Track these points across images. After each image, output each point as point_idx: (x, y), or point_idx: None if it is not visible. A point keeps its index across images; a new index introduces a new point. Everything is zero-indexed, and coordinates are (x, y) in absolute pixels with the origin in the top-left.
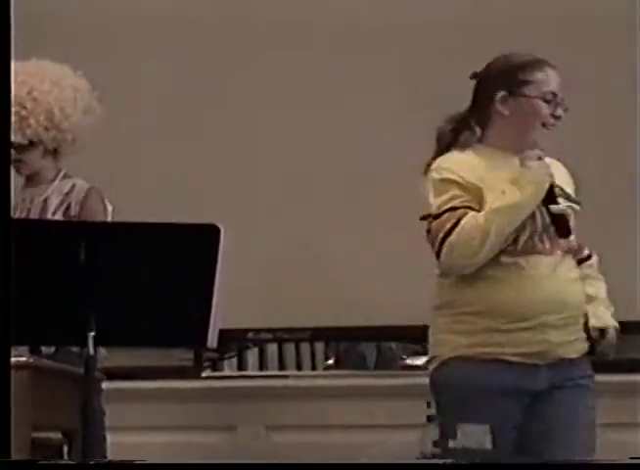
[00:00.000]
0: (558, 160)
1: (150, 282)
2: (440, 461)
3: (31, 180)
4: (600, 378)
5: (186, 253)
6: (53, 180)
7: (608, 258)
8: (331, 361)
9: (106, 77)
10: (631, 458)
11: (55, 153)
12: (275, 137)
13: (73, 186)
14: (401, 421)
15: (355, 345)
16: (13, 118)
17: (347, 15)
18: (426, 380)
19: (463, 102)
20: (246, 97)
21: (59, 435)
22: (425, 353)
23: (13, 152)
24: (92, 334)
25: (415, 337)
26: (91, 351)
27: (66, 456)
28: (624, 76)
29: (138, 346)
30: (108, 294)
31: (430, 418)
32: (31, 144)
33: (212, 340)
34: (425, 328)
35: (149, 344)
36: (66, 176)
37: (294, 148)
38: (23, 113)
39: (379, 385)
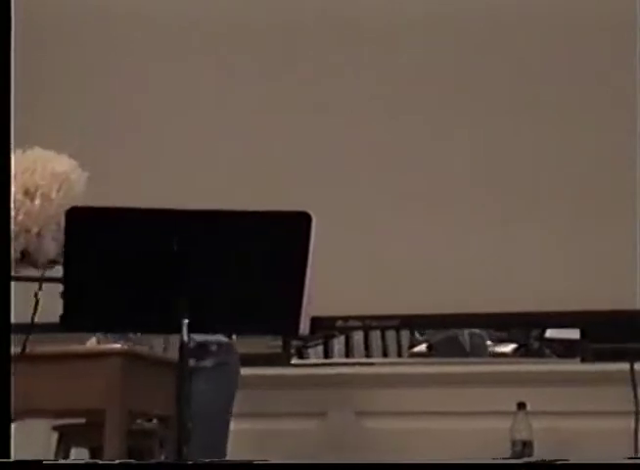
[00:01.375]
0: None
1: (242, 270)
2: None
3: None
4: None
5: (278, 240)
6: None
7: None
8: (420, 348)
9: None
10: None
11: None
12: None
13: None
14: (492, 408)
15: (451, 332)
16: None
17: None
18: (514, 367)
19: None
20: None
21: (154, 422)
22: (511, 341)
23: None
24: (186, 321)
25: (500, 324)
26: (185, 337)
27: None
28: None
29: (230, 333)
30: (201, 282)
31: (520, 405)
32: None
33: (305, 327)
34: (512, 315)
35: (241, 331)
36: None
37: (386, 135)
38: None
39: (468, 372)
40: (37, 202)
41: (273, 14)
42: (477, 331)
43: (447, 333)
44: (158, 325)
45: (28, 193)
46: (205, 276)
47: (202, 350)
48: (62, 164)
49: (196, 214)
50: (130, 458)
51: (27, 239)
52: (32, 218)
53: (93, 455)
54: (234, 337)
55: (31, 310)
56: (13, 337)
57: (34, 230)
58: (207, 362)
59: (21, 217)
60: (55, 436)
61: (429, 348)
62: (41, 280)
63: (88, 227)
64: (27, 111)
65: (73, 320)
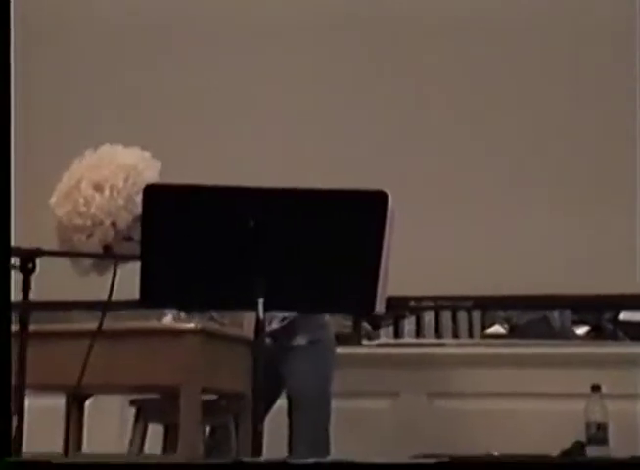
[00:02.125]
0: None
1: (318, 248)
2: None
3: None
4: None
5: (355, 219)
6: None
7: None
8: (495, 329)
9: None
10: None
11: None
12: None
13: None
14: (566, 390)
15: (541, 313)
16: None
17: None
18: (589, 349)
19: None
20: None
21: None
22: (583, 323)
23: None
24: (262, 299)
25: (574, 306)
26: (261, 315)
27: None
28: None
29: (307, 311)
30: (277, 260)
31: (595, 387)
32: None
33: (380, 306)
34: (585, 297)
35: (318, 309)
36: None
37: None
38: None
39: (541, 353)
40: (106, 193)
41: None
42: (565, 312)
43: (537, 314)
44: (234, 303)
45: (98, 187)
46: (281, 254)
47: (292, 327)
48: (129, 155)
49: (273, 192)
50: (205, 436)
51: (103, 232)
52: (104, 210)
53: (167, 432)
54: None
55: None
56: (91, 314)
57: (107, 222)
58: (301, 340)
59: (92, 211)
60: (131, 412)
61: (511, 329)
62: (118, 257)
63: (165, 205)
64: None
65: (151, 298)
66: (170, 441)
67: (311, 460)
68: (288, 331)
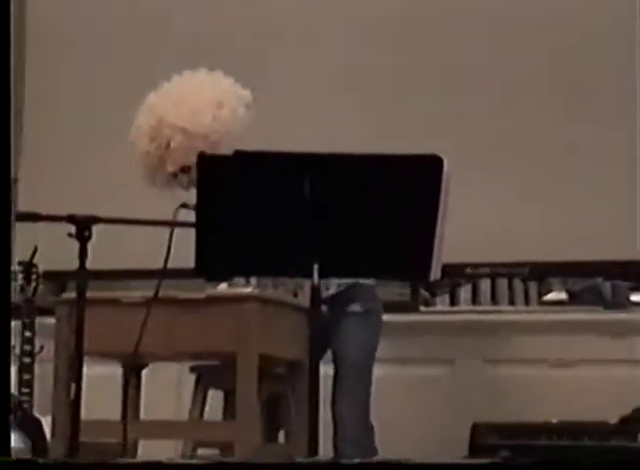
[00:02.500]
0: None
1: (374, 214)
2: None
3: None
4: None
5: (410, 184)
6: None
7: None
8: (554, 295)
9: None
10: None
11: None
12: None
13: None
14: (626, 357)
15: (592, 281)
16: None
17: None
18: None
19: None
20: None
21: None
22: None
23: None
24: (317, 265)
25: (634, 273)
26: (316, 281)
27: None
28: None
29: (362, 277)
30: (332, 226)
31: None
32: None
33: (436, 272)
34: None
35: (373, 275)
36: None
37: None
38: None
39: (599, 319)
40: (225, 111)
41: None
42: (619, 282)
43: (587, 282)
44: (290, 269)
45: (219, 105)
46: (336, 220)
47: (348, 294)
48: (240, 88)
49: (327, 158)
50: (263, 403)
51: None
52: (219, 124)
53: (227, 398)
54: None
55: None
56: (147, 282)
57: (213, 137)
58: (356, 307)
59: (209, 121)
60: (188, 380)
61: (570, 296)
62: (174, 224)
63: (220, 173)
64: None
65: (208, 266)
66: (230, 407)
67: (356, 460)
68: (343, 298)
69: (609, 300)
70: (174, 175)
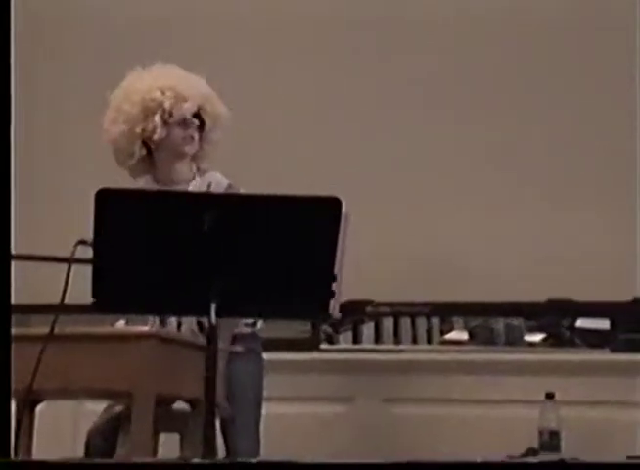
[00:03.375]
0: None
1: (272, 253)
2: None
3: (167, 178)
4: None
5: (308, 224)
6: (190, 179)
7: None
8: (453, 335)
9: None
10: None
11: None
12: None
13: (210, 184)
14: (520, 397)
15: (486, 320)
16: (168, 94)
17: None
18: (543, 357)
19: None
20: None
21: (184, 405)
22: (541, 330)
23: (181, 129)
24: (215, 304)
25: (531, 313)
26: (213, 320)
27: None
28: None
29: (260, 317)
30: (231, 264)
31: (548, 395)
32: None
33: (334, 311)
34: (543, 304)
35: (271, 315)
36: (201, 173)
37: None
38: (179, 89)
39: (496, 360)
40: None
41: None
42: (514, 322)
43: (482, 322)
44: (187, 308)
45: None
46: (235, 260)
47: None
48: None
49: (226, 198)
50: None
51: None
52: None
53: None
54: (259, 326)
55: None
56: (43, 317)
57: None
58: (238, 347)
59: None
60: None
61: (471, 335)
62: (71, 261)
63: (119, 209)
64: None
65: (105, 302)
66: (124, 445)
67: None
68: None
69: (502, 339)
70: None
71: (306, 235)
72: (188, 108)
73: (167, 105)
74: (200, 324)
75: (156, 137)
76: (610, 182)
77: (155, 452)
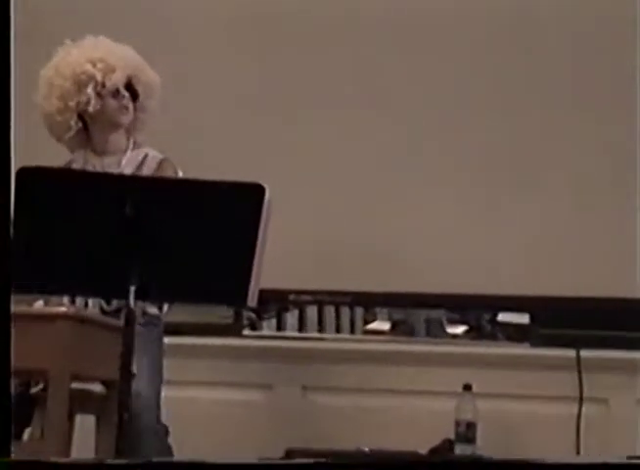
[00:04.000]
0: None
1: (193, 238)
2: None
3: (103, 150)
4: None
5: (230, 211)
6: (125, 150)
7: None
8: (376, 325)
9: None
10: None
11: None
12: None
13: (146, 156)
14: (438, 388)
15: (408, 312)
16: (99, 66)
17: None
18: (462, 349)
19: None
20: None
21: (99, 387)
22: (464, 322)
23: (114, 100)
24: (133, 288)
25: (454, 305)
26: (131, 304)
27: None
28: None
29: (178, 301)
30: (151, 248)
31: (466, 387)
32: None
33: (252, 298)
34: (466, 297)
35: (189, 300)
36: (137, 146)
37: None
38: (110, 60)
39: (416, 351)
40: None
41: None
42: (435, 316)
43: (406, 313)
44: (105, 290)
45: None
46: (155, 243)
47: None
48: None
49: (150, 181)
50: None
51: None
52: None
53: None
54: (164, 310)
55: None
56: None
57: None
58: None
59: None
60: None
61: (393, 325)
62: None
63: (39, 188)
64: None
65: (22, 282)
66: (36, 426)
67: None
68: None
69: (424, 331)
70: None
71: (228, 221)
72: (119, 78)
73: (99, 76)
74: (102, 308)
75: (90, 109)
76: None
77: (71, 434)
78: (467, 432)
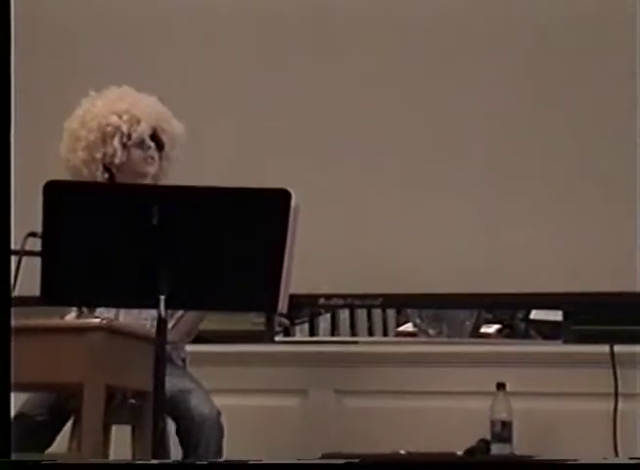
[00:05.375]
0: None
1: (221, 246)
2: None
3: None
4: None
5: (257, 217)
6: None
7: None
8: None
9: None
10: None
11: None
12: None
13: None
14: (472, 389)
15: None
16: (124, 117)
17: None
18: (495, 348)
19: None
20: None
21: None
22: (496, 322)
23: (140, 151)
24: (164, 297)
25: (484, 305)
26: (162, 313)
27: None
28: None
29: (208, 309)
30: (180, 257)
31: (500, 386)
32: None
33: (283, 304)
34: (496, 296)
35: (219, 307)
36: None
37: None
38: (135, 111)
39: (450, 352)
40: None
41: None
42: (468, 313)
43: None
44: (136, 300)
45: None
46: (184, 252)
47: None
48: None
49: (176, 190)
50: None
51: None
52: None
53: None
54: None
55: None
56: None
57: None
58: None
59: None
60: None
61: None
62: (21, 253)
63: (67, 201)
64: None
65: (52, 294)
66: (76, 437)
67: None
68: None
69: (454, 331)
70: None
71: (256, 227)
72: (144, 129)
73: (125, 128)
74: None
75: (117, 161)
76: (571, 177)
77: (107, 445)
78: (502, 431)
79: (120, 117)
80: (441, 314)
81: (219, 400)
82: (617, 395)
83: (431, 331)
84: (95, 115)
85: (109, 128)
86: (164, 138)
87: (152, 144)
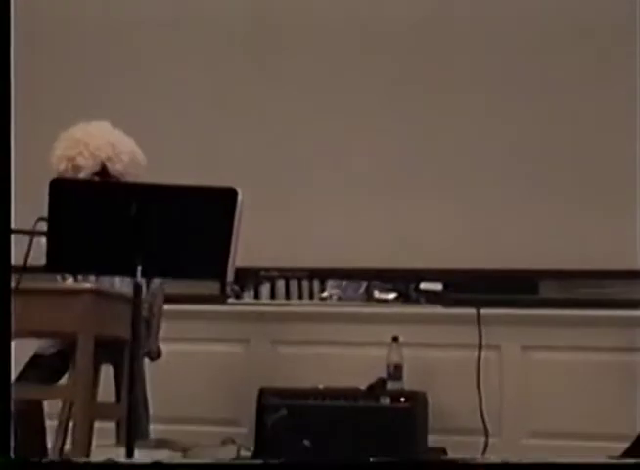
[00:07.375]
0: None
1: (184, 230)
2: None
3: None
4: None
5: (210, 211)
6: None
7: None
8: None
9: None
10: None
11: None
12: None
13: None
14: (374, 340)
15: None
16: (69, 166)
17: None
18: (392, 310)
19: None
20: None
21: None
22: (394, 290)
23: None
24: (140, 268)
25: (387, 278)
26: (138, 279)
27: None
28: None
29: (174, 277)
30: (153, 238)
31: (394, 338)
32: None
33: (230, 274)
34: (395, 271)
35: (182, 276)
36: None
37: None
38: (78, 161)
39: (357, 312)
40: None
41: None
42: (375, 283)
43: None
44: (119, 270)
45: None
46: (155, 235)
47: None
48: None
49: (150, 188)
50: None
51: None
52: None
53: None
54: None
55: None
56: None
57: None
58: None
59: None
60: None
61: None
62: (33, 233)
63: (67, 195)
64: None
65: (55, 265)
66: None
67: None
68: None
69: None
70: None
71: (209, 218)
72: (87, 174)
73: (71, 174)
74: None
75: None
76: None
77: (96, 380)
78: (395, 372)
79: (67, 164)
80: (347, 284)
81: (183, 346)
82: (480, 346)
83: (340, 295)
84: (53, 156)
85: (61, 171)
86: (113, 172)
87: (97, 178)
